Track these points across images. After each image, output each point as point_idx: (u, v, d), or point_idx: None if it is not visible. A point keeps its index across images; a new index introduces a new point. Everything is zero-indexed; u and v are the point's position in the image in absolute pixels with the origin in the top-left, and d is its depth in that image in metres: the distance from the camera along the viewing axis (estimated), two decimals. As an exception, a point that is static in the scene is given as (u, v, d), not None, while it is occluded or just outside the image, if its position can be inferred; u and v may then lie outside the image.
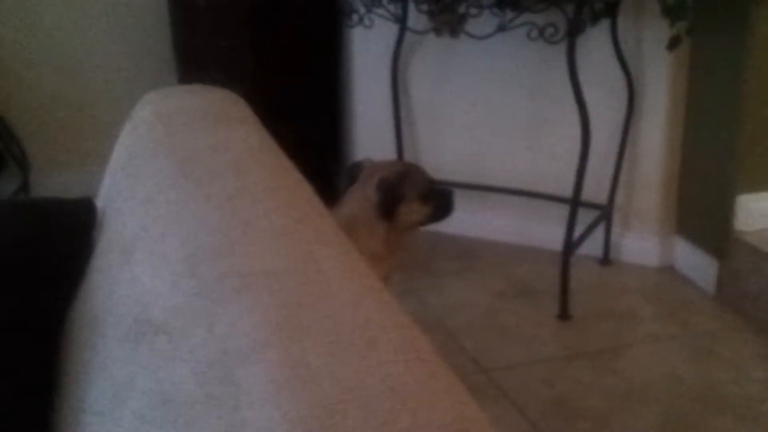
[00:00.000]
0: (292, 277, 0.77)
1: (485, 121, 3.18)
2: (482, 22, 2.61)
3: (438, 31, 2.72)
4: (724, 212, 2.74)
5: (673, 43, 2.60)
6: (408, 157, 3.28)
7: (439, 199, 2.27)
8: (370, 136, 3.38)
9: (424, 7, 2.73)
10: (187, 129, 1.12)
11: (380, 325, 0.71)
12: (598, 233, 3.00)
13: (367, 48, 3.26)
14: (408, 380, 0.63)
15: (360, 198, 2.21)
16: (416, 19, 2.90)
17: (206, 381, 0.68)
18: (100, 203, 1.15)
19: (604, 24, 2.75)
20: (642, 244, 3.05)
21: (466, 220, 2.97)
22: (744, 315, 2.66)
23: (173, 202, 0.94)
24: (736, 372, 2.41)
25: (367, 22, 2.81)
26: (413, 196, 2.21)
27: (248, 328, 0.71)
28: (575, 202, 2.70)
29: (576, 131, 2.64)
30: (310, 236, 0.87)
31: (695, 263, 2.92)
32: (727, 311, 2.71)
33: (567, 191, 2.75)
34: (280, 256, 0.81)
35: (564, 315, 2.71)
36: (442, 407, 0.61)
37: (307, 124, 3.26)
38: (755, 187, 2.73)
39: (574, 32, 2.53)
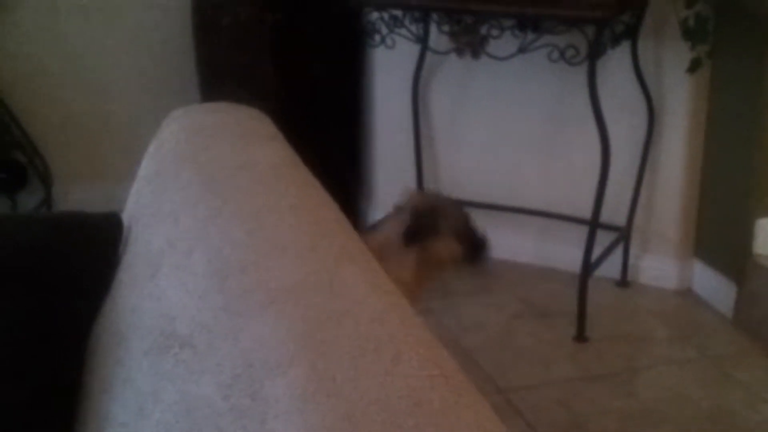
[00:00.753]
0: (318, 293, 0.78)
1: (505, 142, 3.19)
2: (503, 44, 2.63)
3: (459, 51, 2.74)
4: (743, 236, 2.73)
5: (694, 66, 2.61)
6: (427, 176, 3.29)
7: (474, 242, 2.24)
8: (390, 155, 3.39)
9: (446, 27, 2.76)
10: (213, 146, 1.13)
11: (404, 341, 0.72)
12: (616, 255, 3.00)
13: (389, 68, 3.28)
14: (432, 396, 0.64)
15: (395, 224, 2.19)
16: (438, 39, 2.92)
17: (231, 394, 0.70)
18: (126, 218, 1.17)
19: (625, 46, 2.76)
20: (660, 266, 3.04)
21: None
22: (761, 339, 2.65)
23: (200, 218, 0.96)
24: (751, 396, 2.39)
25: (389, 42, 2.82)
26: (447, 231, 2.18)
27: (274, 343, 0.72)
28: (594, 224, 2.70)
29: (595, 153, 2.65)
30: (336, 252, 0.88)
31: (713, 286, 2.91)
32: (744, 335, 2.70)
33: (586, 213, 2.76)
34: (305, 271, 0.82)
35: (581, 337, 2.71)
36: (466, 423, 0.62)
37: (329, 142, 3.28)
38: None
39: (594, 54, 2.53)
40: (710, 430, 2.26)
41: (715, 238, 2.93)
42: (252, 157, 1.08)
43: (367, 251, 0.91)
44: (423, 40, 2.95)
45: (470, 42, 2.71)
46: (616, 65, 2.82)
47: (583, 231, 2.75)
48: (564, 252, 3.06)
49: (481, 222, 2.81)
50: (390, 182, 3.39)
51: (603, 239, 2.83)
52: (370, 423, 0.61)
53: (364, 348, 0.70)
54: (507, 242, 3.23)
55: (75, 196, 3.46)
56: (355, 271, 0.84)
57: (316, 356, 0.69)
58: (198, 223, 0.95)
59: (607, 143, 2.63)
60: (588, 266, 2.71)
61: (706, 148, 2.91)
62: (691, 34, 2.56)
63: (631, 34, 2.75)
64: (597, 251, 2.76)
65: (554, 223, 3.11)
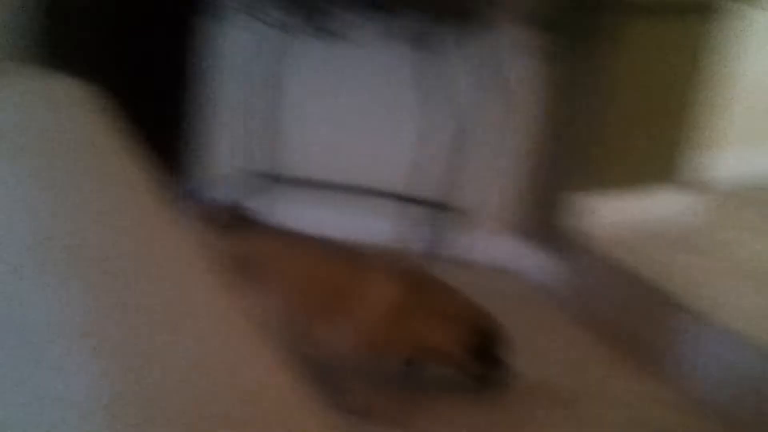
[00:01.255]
0: (125, 266, 0.80)
1: (344, 119, 3.21)
2: (359, 27, 2.65)
3: (309, 33, 2.72)
4: (562, 211, 2.87)
5: (543, 53, 2.72)
6: (264, 153, 3.27)
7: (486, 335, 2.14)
8: (228, 132, 3.34)
9: (296, 9, 2.73)
10: (29, 114, 1.11)
11: (204, 308, 0.75)
12: (443, 232, 3.07)
13: (233, 45, 3.21)
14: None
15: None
16: (287, 19, 2.90)
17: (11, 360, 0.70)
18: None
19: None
20: (484, 242, 3.13)
21: (310, 217, 2.98)
22: (584, 314, 2.77)
23: (8, 186, 0.94)
24: (574, 370, 2.51)
25: (234, 21, 2.76)
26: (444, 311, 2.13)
27: (64, 309, 0.73)
28: (419, 201, 2.76)
29: (428, 131, 2.70)
30: (149, 226, 0.88)
31: (532, 261, 3.02)
32: (568, 310, 2.81)
33: (414, 190, 2.82)
34: (114, 244, 0.83)
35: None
36: (251, 376, 0.66)
37: (166, 117, 3.22)
38: (597, 187, 2.87)
39: (450, 40, 2.59)
40: (528, 400, 2.33)
41: (540, 214, 3.05)
42: (69, 127, 1.06)
43: (177, 224, 0.93)
44: (271, 21, 2.91)
45: (320, 25, 2.70)
46: (471, 50, 2.88)
47: (409, 208, 2.83)
48: (386, 228, 3.07)
49: (325, 202, 2.79)
50: (226, 156, 3.36)
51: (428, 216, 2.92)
52: (159, 378, 0.64)
53: (163, 313, 0.72)
54: (327, 218, 3.23)
55: None
56: (167, 246, 0.85)
57: (109, 322, 0.70)
58: (6, 191, 0.93)
59: (458, 123, 2.68)
60: (412, 243, 2.79)
61: (537, 127, 3.01)
62: (542, 22, 2.66)
63: (482, 22, 2.78)
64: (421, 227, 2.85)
65: (380, 199, 3.15)
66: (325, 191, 3.18)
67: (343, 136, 3.22)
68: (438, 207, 3.05)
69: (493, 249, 3.12)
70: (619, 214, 2.90)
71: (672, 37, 2.84)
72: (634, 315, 2.66)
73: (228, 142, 3.30)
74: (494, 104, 2.97)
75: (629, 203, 2.93)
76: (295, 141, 3.29)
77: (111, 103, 1.28)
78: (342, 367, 2.13)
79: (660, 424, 2.31)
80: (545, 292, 2.94)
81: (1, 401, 0.66)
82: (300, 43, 3.02)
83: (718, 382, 2.32)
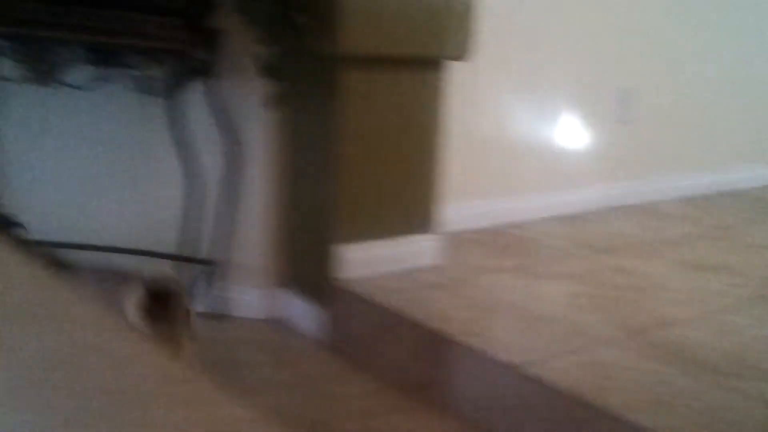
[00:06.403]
0: None
1: (85, 177, 3.00)
2: (81, 72, 2.48)
3: (27, 78, 2.52)
4: (325, 262, 2.85)
5: (271, 101, 2.67)
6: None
7: None
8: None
9: (9, 52, 2.53)
10: None
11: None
12: (205, 288, 2.96)
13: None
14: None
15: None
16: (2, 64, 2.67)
17: None
18: None
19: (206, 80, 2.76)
20: (249, 297, 3.05)
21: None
22: (349, 357, 2.77)
23: None
24: (346, 407, 2.48)
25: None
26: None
27: None
28: (181, 258, 2.64)
29: (180, 186, 2.59)
30: None
31: (301, 312, 2.99)
32: (334, 355, 2.81)
33: (172, 247, 2.69)
34: None
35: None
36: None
37: None
38: (351, 238, 2.87)
39: (173, 87, 2.50)
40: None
41: (300, 266, 3.02)
42: None
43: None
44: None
45: (39, 69, 2.51)
46: (199, 98, 2.81)
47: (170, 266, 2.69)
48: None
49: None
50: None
51: (190, 273, 2.77)
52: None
53: None
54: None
55: None
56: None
57: None
58: None
59: (191, 176, 2.59)
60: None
61: (286, 179, 3.01)
62: (268, 71, 2.62)
63: (208, 69, 2.75)
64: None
65: (139, 259, 2.99)
66: (71, 253, 2.95)
67: (91, 192, 3.01)
68: (202, 263, 2.94)
69: (261, 302, 3.04)
70: (376, 263, 2.91)
71: (400, 89, 2.89)
72: (405, 354, 2.66)
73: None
74: (230, 154, 2.91)
75: (383, 251, 2.96)
76: (33, 199, 3.03)
77: None
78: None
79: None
80: (316, 342, 2.91)
81: None
82: (35, 94, 2.79)
83: (501, 410, 2.35)
